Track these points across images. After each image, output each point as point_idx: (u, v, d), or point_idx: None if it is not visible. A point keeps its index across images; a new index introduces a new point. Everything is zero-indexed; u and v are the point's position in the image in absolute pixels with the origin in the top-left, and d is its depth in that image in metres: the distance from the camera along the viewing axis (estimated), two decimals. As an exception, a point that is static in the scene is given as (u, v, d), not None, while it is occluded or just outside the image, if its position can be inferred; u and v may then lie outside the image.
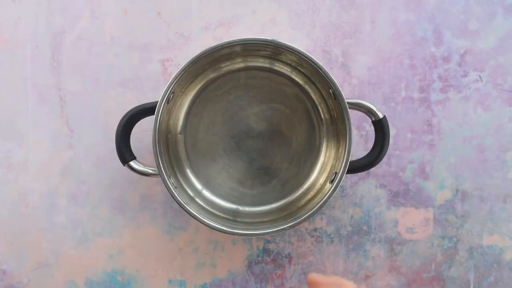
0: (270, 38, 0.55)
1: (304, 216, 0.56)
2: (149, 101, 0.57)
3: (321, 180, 0.61)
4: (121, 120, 0.56)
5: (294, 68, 0.60)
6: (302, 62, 0.56)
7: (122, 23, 0.63)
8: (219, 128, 0.62)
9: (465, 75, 0.63)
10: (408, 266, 0.64)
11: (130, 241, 0.64)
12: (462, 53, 0.63)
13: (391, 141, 0.62)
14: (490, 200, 0.64)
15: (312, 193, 0.61)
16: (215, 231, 0.57)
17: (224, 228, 0.56)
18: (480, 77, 0.63)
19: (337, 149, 0.60)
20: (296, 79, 0.61)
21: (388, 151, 0.58)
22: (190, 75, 0.58)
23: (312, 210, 0.55)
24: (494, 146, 0.63)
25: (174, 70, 0.62)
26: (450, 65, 0.63)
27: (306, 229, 0.64)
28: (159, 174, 0.56)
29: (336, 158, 0.59)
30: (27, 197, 0.64)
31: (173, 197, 0.56)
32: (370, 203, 0.63)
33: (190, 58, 0.55)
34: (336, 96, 0.55)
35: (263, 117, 0.61)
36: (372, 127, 0.57)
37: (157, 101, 0.55)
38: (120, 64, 0.63)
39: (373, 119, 0.56)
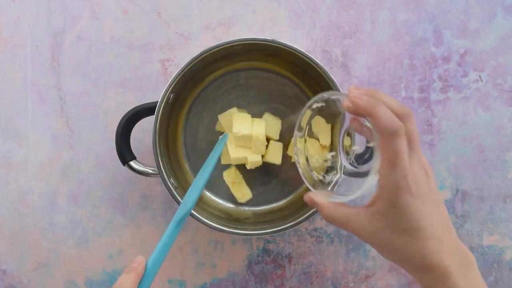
0: (270, 38, 0.55)
1: (304, 216, 0.56)
2: (149, 101, 0.57)
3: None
4: (121, 120, 0.56)
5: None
6: (302, 62, 0.56)
7: (122, 23, 0.63)
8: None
9: (465, 75, 0.63)
10: (408, 266, 0.64)
11: (130, 241, 0.64)
12: (462, 53, 0.63)
13: (391, 141, 0.62)
14: (490, 200, 0.64)
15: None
16: (215, 231, 0.57)
17: (224, 228, 0.56)
18: (480, 77, 0.63)
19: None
20: (296, 79, 0.61)
21: (388, 151, 0.58)
22: (190, 75, 0.58)
23: (312, 210, 0.55)
24: (494, 146, 0.63)
25: (174, 70, 0.62)
26: (450, 65, 0.63)
27: (306, 229, 0.64)
28: (159, 174, 0.56)
29: (336, 158, 0.59)
30: (27, 197, 0.64)
31: (173, 197, 0.56)
32: (370, 203, 0.63)
33: (190, 58, 0.55)
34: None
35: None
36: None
37: (157, 101, 0.56)
38: (120, 64, 0.63)
39: (373, 119, 0.56)
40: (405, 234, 0.41)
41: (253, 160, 0.58)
